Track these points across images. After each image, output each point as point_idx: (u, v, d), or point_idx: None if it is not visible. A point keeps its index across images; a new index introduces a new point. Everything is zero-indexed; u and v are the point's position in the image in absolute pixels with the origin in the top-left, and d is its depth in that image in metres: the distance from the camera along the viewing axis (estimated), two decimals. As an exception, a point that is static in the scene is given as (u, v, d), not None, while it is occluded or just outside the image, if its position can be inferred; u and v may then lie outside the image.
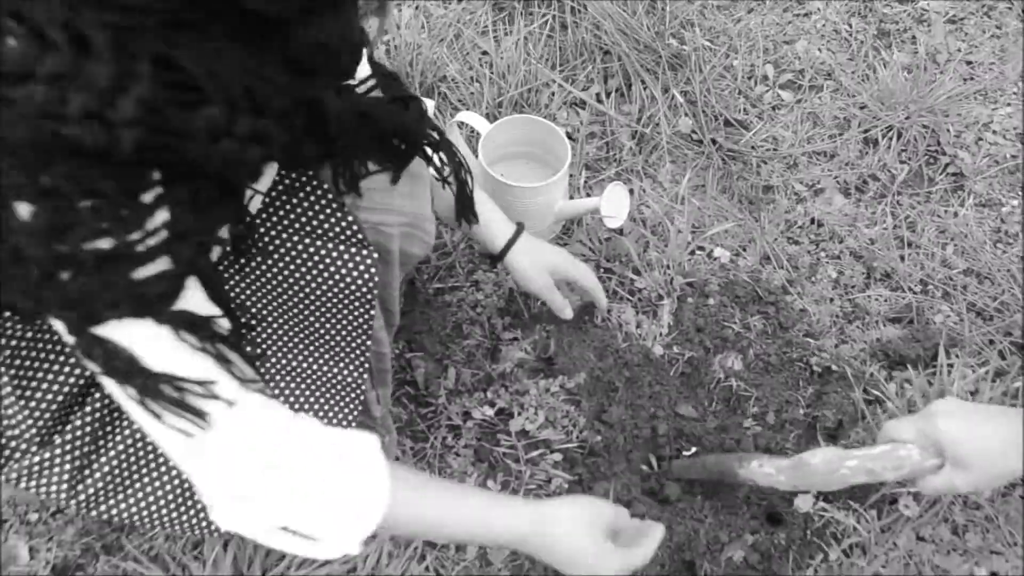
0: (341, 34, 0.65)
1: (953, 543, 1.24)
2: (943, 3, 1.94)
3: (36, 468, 0.90)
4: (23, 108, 0.50)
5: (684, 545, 1.20)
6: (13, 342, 0.85)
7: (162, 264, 0.61)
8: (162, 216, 0.60)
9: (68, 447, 0.90)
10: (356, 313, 0.94)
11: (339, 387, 1.02)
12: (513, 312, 1.41)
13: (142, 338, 0.64)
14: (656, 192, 1.58)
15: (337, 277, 0.90)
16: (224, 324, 0.70)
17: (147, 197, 0.58)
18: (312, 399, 1.01)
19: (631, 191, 1.51)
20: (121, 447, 0.93)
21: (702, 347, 1.39)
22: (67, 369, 0.90)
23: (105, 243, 0.57)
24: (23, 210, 0.53)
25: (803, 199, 1.60)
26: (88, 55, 0.50)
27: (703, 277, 1.46)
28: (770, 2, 1.92)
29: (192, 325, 0.66)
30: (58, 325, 0.63)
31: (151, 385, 0.66)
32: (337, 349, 0.99)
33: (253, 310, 0.96)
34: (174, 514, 0.96)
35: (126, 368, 0.65)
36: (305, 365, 1.01)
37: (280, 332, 0.99)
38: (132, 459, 0.94)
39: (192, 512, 0.97)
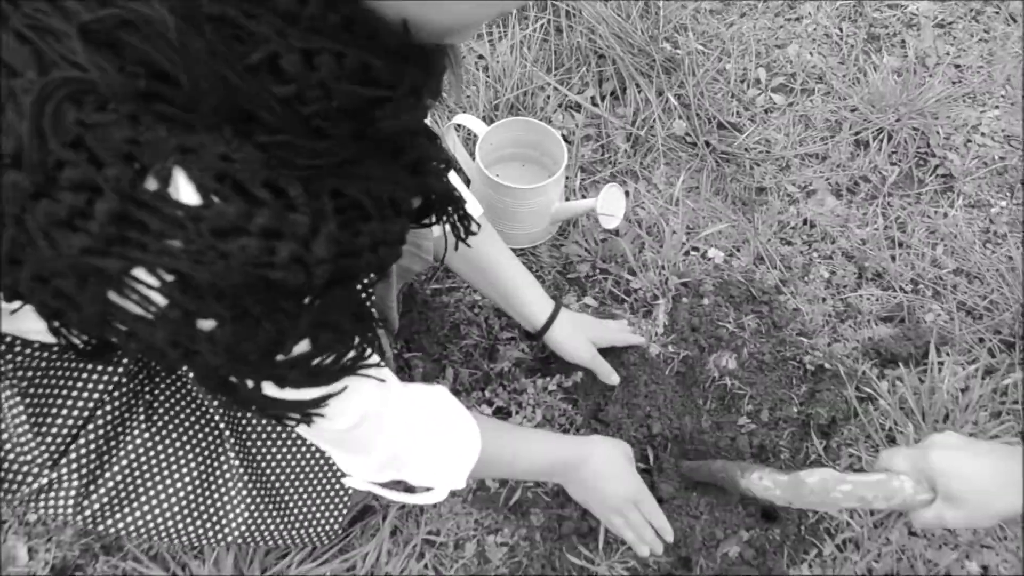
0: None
1: (944, 538, 1.25)
2: (932, 7, 1.96)
3: (44, 489, 0.91)
4: (236, 260, 0.53)
5: (680, 541, 1.21)
6: (29, 373, 0.87)
7: (304, 345, 0.66)
8: (307, 322, 0.64)
9: (75, 466, 0.91)
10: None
11: None
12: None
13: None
14: (651, 194, 1.59)
15: None
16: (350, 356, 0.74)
17: (306, 300, 0.62)
18: None
19: (627, 192, 1.53)
20: (125, 462, 0.94)
21: (697, 346, 1.41)
22: (75, 393, 0.91)
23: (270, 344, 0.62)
24: (206, 324, 0.57)
25: (795, 200, 1.62)
26: (289, 207, 0.55)
27: (698, 277, 1.47)
28: (762, 6, 1.94)
29: (317, 376, 0.70)
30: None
31: (280, 414, 0.72)
32: None
33: None
34: (179, 526, 0.97)
35: (254, 403, 0.69)
36: None
37: None
38: (136, 474, 0.95)
39: (199, 523, 0.98)
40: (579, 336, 1.33)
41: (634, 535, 1.17)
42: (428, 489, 0.98)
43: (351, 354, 0.73)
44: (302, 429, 0.81)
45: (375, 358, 0.79)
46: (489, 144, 1.44)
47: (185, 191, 0.53)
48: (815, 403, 1.36)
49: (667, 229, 1.51)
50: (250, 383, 0.66)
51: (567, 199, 1.54)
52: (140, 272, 0.54)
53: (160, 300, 0.55)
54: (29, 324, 0.68)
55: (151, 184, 0.52)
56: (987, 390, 1.35)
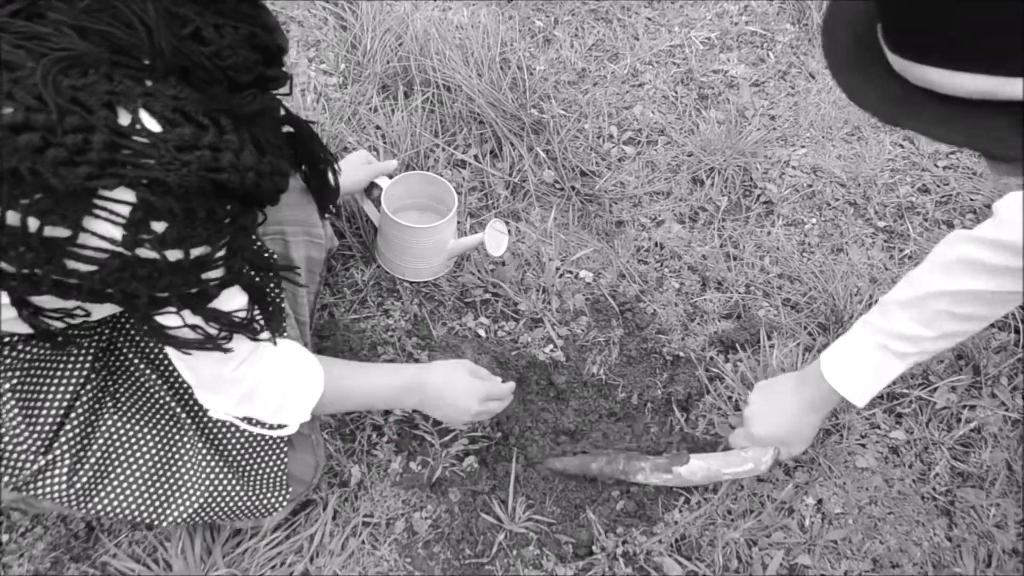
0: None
1: (786, 480, 1.55)
2: (748, 71, 2.38)
3: (41, 470, 1.10)
4: (194, 166, 0.78)
5: (577, 497, 1.47)
6: (19, 373, 1.07)
7: (218, 272, 0.90)
8: (227, 237, 0.88)
9: (65, 448, 1.11)
10: None
11: None
12: (422, 335, 1.68)
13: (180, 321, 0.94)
14: (529, 230, 1.90)
15: None
16: (241, 315, 0.99)
17: (227, 220, 0.86)
18: None
19: (506, 222, 1.82)
20: (101, 441, 1.14)
21: (576, 349, 1.69)
22: (54, 388, 1.11)
23: (200, 251, 0.84)
24: (159, 226, 0.80)
25: (648, 229, 1.95)
26: (222, 132, 0.81)
27: (572, 293, 1.77)
28: (611, 77, 2.31)
29: (216, 318, 0.96)
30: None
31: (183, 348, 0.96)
32: None
33: None
34: (147, 494, 1.17)
35: (169, 340, 0.95)
36: None
37: None
38: (112, 454, 1.15)
39: (162, 491, 1.18)
40: (351, 164, 1.67)
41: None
42: (281, 426, 1.19)
43: (242, 315, 0.99)
44: (178, 359, 1.04)
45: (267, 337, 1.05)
46: (392, 195, 1.72)
47: (149, 122, 0.76)
48: (674, 384, 1.65)
49: (544, 256, 1.81)
50: (175, 318, 0.91)
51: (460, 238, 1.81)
52: (120, 192, 0.76)
53: (125, 210, 0.77)
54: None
55: (124, 120, 0.76)
56: (808, 363, 1.68)
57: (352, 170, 1.66)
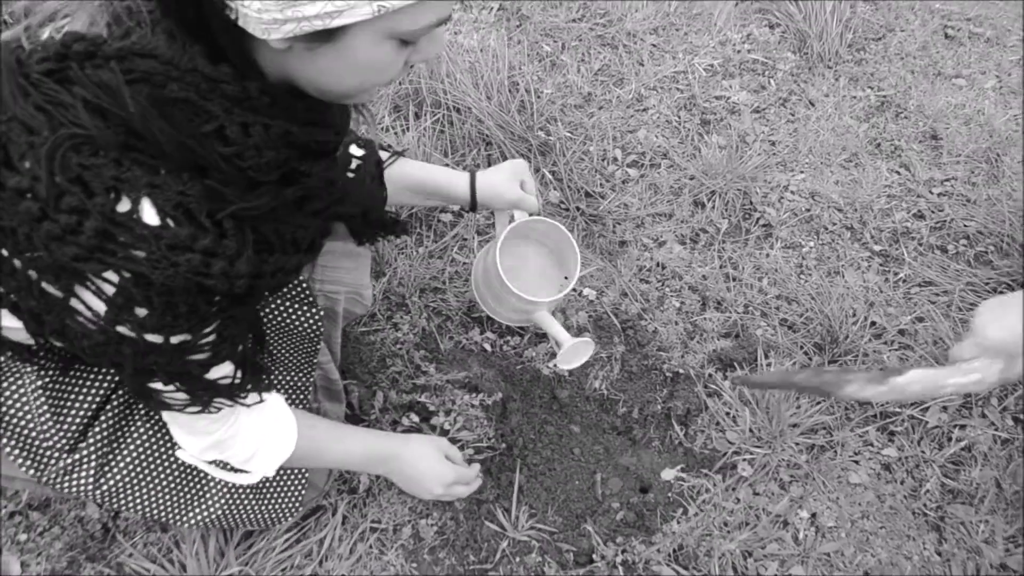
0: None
1: (781, 494, 1.60)
2: (749, 97, 2.45)
3: (66, 470, 1.15)
4: (182, 268, 0.76)
5: (578, 504, 1.52)
6: (52, 372, 1.12)
7: (204, 355, 0.91)
8: (215, 324, 0.88)
9: (92, 448, 1.16)
10: (305, 349, 1.28)
11: (292, 391, 1.32)
12: (430, 348, 1.73)
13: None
14: (535, 248, 1.95)
15: (295, 326, 1.24)
16: (225, 382, 1.00)
17: (212, 309, 0.86)
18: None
19: (596, 345, 1.74)
20: (132, 446, 1.19)
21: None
22: (85, 390, 1.16)
23: (180, 338, 0.84)
24: (140, 312, 0.80)
25: (650, 249, 2.01)
26: (223, 235, 0.79)
27: (576, 310, 1.82)
28: (616, 101, 2.38)
29: (204, 389, 0.97)
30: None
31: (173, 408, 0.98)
32: (292, 368, 1.30)
33: None
34: (171, 500, 1.22)
35: (157, 404, 0.96)
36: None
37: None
38: (141, 459, 1.20)
39: (187, 498, 1.23)
40: (501, 179, 1.41)
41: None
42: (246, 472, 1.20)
43: (226, 383, 0.99)
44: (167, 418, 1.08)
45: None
46: (517, 231, 1.45)
47: (148, 215, 0.74)
48: (674, 400, 1.70)
49: (549, 274, 1.86)
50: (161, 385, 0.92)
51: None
52: (107, 273, 0.77)
53: (110, 290, 0.78)
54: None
55: (123, 207, 0.73)
56: (804, 381, 1.73)
57: (501, 179, 1.42)
